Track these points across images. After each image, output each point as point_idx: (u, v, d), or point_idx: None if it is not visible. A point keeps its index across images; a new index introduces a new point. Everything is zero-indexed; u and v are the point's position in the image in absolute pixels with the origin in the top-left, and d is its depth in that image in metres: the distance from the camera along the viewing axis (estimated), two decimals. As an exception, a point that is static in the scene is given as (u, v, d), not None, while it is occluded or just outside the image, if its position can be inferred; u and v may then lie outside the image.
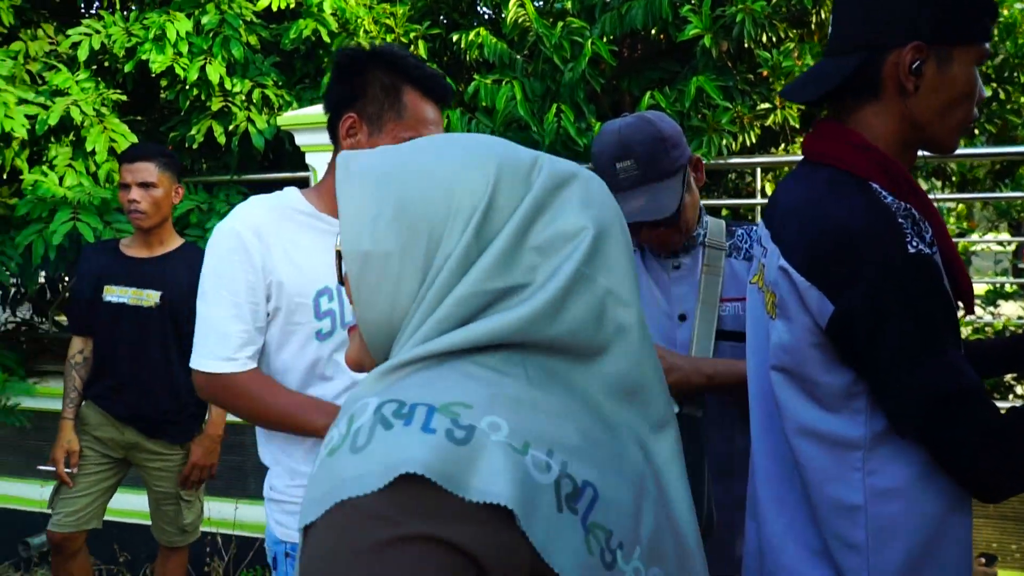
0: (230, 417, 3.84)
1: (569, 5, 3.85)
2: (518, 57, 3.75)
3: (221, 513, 3.63)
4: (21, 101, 3.68)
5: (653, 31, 3.89)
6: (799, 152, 4.18)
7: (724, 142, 3.48)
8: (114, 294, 2.73)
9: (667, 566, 0.72)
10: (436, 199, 0.72)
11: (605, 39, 3.61)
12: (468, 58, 3.86)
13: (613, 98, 4.13)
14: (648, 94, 3.55)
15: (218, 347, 1.53)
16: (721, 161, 3.57)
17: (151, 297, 2.71)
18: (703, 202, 1.81)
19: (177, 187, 2.79)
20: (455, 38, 3.86)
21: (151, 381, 2.75)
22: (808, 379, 1.13)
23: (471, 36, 3.72)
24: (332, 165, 1.63)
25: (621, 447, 0.71)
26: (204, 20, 3.76)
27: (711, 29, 3.47)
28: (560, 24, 3.63)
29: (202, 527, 3.06)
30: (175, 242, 2.84)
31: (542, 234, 0.72)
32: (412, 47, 3.99)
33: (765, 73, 3.72)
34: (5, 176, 3.99)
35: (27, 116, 3.63)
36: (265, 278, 1.52)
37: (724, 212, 4.56)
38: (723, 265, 1.73)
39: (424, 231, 0.72)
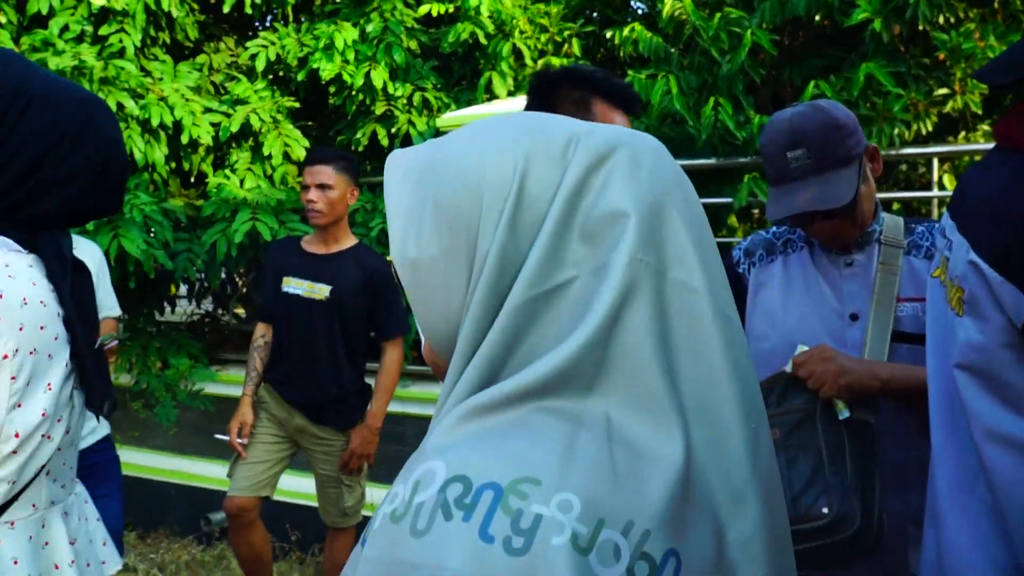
0: (390, 408, 4.01)
1: (727, -5, 3.75)
2: (673, 51, 3.68)
3: (382, 498, 3.80)
4: (206, 110, 4.00)
5: (817, 17, 3.71)
6: (982, 140, 3.88)
7: (896, 131, 3.27)
8: (291, 285, 2.93)
9: None
10: (465, 195, 0.67)
11: (765, 27, 3.49)
12: (622, 54, 3.84)
13: (773, 89, 3.98)
14: (812, 83, 3.39)
15: None
16: (893, 152, 3.36)
17: (322, 291, 2.89)
18: None
19: (353, 189, 2.95)
20: (609, 34, 3.85)
21: (318, 370, 2.93)
22: (999, 380, 1.05)
23: (625, 32, 3.69)
24: None
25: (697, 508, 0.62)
26: (369, 28, 3.94)
27: (881, 12, 3.27)
28: (717, 15, 3.54)
29: (364, 511, 3.21)
30: (349, 241, 3.01)
31: (587, 219, 0.65)
32: (566, 45, 4.02)
33: (942, 56, 3.46)
34: (192, 179, 4.36)
35: (211, 124, 3.94)
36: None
37: (896, 206, 4.29)
38: (901, 263, 1.63)
39: (462, 230, 0.67)
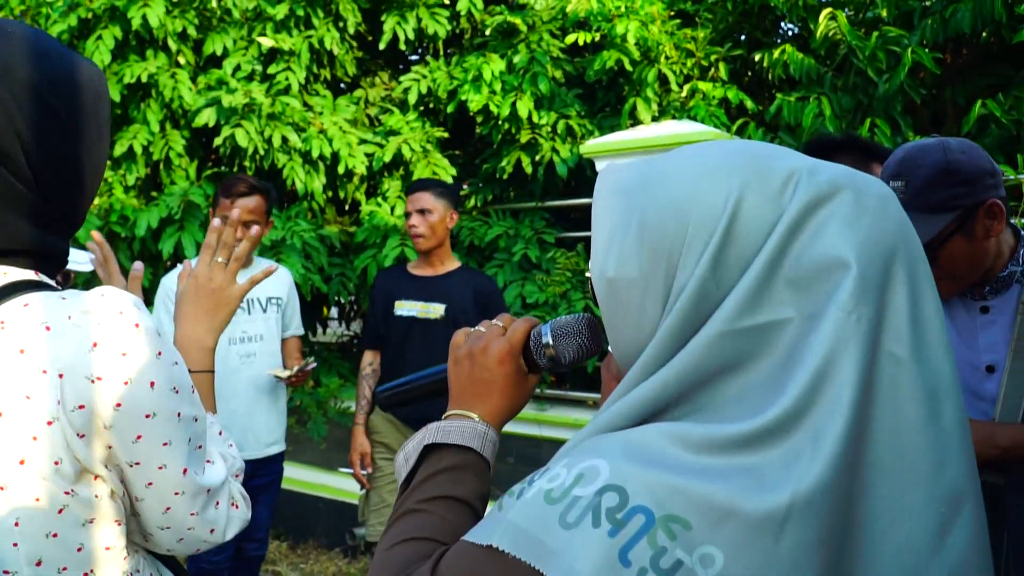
0: (527, 431, 4.03)
1: (884, 13, 3.60)
2: (826, 72, 3.56)
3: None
4: (361, 141, 4.20)
5: (984, 34, 3.50)
6: None
7: (1078, 152, 3.02)
8: (404, 308, 3.03)
9: None
10: (671, 219, 0.65)
11: (925, 45, 3.32)
12: (771, 76, 3.75)
13: (933, 109, 3.77)
14: (979, 103, 3.19)
15: None
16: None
17: (437, 310, 2.98)
18: None
19: (452, 213, 3.07)
20: (757, 57, 3.77)
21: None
22: None
23: (776, 54, 3.61)
24: None
25: None
26: (516, 59, 4.04)
27: (1062, 25, 3.04)
28: (875, 34, 3.40)
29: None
30: (454, 263, 3.12)
31: (799, 263, 0.62)
32: (712, 69, 3.97)
33: None
34: (347, 207, 4.58)
35: (366, 154, 4.14)
36: None
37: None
38: None
39: (664, 256, 0.65)
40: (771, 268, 0.62)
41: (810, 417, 0.59)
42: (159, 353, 0.91)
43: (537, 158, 4.02)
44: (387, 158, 4.04)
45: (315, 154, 3.95)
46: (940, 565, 0.60)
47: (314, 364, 2.99)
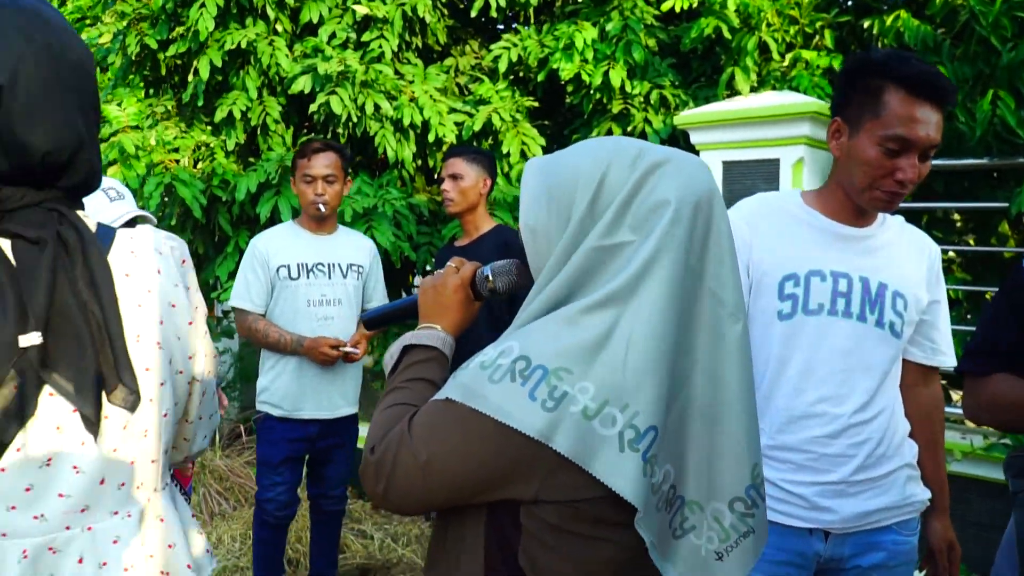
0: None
1: (1010, -24, 3.35)
2: (945, 39, 3.35)
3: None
4: (451, 110, 4.19)
5: (1125, -3, 3.22)
6: None
7: None
8: None
9: (673, 460, 0.99)
10: (567, 185, 1.04)
11: (1058, 11, 3.08)
12: (881, 44, 3.56)
13: (1062, 81, 3.51)
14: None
15: None
16: None
17: None
18: None
19: (485, 179, 3.12)
20: (867, 24, 3.58)
21: (472, 350, 2.99)
22: None
23: (888, 20, 3.41)
24: (831, 172, 1.74)
25: (687, 378, 1.00)
26: (608, 27, 3.94)
27: None
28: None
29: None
30: (488, 226, 3.17)
31: (640, 206, 1.00)
32: (817, 37, 3.79)
33: None
34: (436, 176, 4.59)
35: (455, 123, 4.13)
36: (745, 257, 1.70)
37: None
38: None
39: (564, 207, 1.04)
40: (622, 208, 1.00)
41: (641, 288, 0.96)
42: (184, 261, 1.13)
43: (628, 129, 3.94)
44: (477, 127, 4.02)
45: (406, 122, 3.97)
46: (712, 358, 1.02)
47: (356, 353, 3.05)
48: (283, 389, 3.05)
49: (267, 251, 3.08)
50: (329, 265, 3.12)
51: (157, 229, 1.10)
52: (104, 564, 1.00)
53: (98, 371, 0.95)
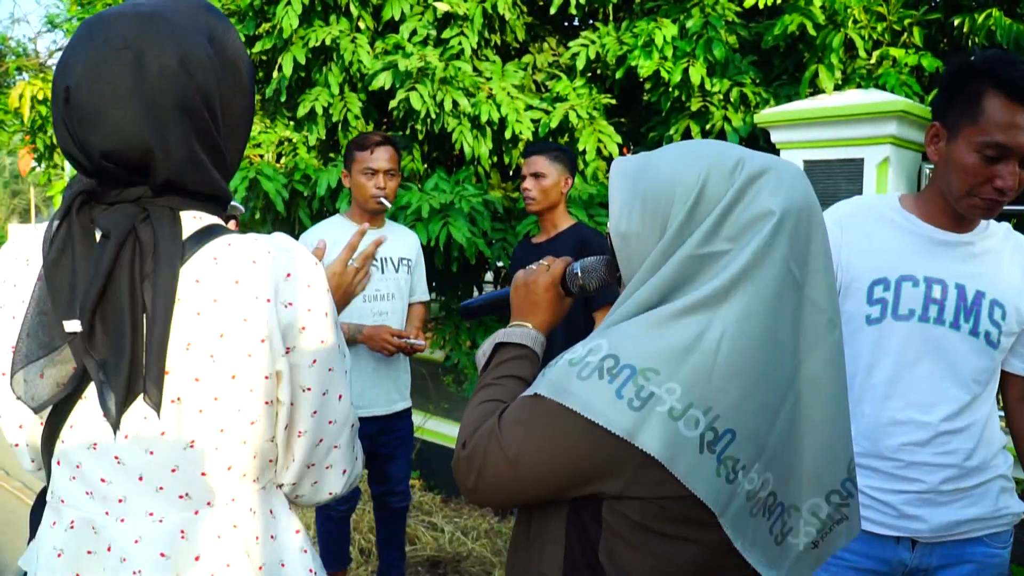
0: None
1: (1116, -30, 3.21)
2: (1043, 37, 3.23)
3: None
4: (528, 107, 4.22)
5: None
6: None
7: None
8: None
9: (776, 468, 1.00)
10: (664, 192, 1.04)
11: None
12: (970, 43, 3.45)
13: None
14: None
15: None
16: None
17: None
18: None
19: (567, 177, 3.12)
20: (957, 21, 3.47)
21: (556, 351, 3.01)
22: None
23: (980, 19, 3.30)
24: (931, 176, 1.70)
25: (774, 390, 0.99)
26: (689, 24, 3.91)
27: None
28: (1104, -6, 3.04)
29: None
30: (567, 223, 3.17)
31: (740, 216, 1.00)
32: (905, 34, 3.69)
33: None
34: (512, 173, 4.63)
35: (532, 120, 4.15)
36: (834, 259, 1.68)
37: None
38: None
39: (660, 215, 1.04)
40: (721, 218, 1.00)
41: (734, 295, 0.97)
42: (327, 290, 1.06)
43: (707, 127, 3.90)
44: (553, 124, 4.03)
45: (483, 119, 4.00)
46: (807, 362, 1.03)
47: (419, 342, 3.03)
48: None
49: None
50: (382, 260, 3.11)
51: (267, 236, 1.05)
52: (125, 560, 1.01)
53: (130, 370, 0.94)
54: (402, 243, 3.22)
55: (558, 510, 1.04)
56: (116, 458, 1.00)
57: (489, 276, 5.80)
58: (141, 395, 0.95)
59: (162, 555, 1.01)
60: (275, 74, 4.34)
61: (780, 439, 0.99)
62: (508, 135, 4.07)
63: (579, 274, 1.23)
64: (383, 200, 3.03)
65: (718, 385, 0.94)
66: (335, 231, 3.11)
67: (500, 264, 4.56)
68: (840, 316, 1.04)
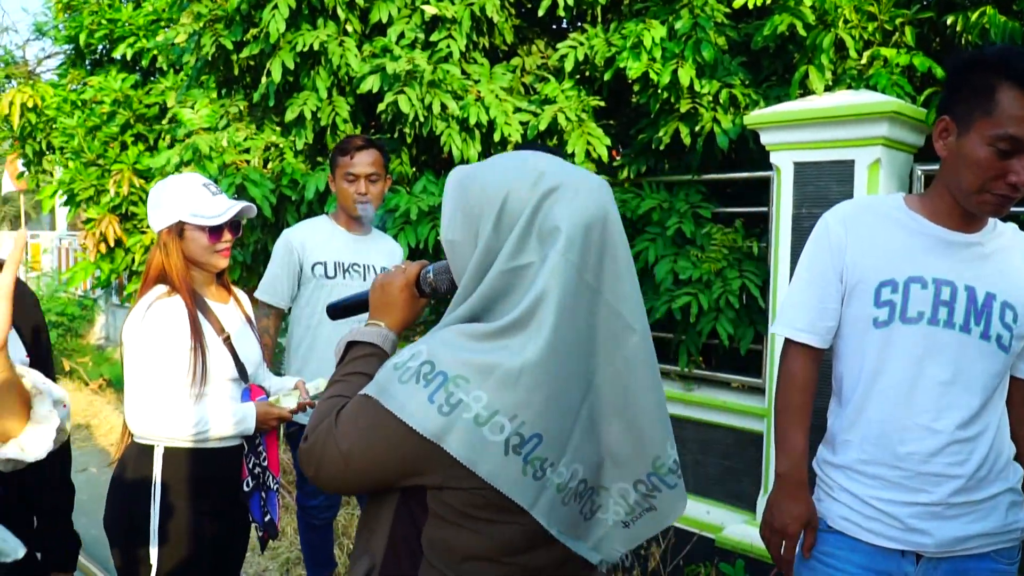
0: (672, 411, 3.93)
1: (1107, -32, 3.19)
2: (1034, 36, 3.21)
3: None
4: (516, 109, 4.18)
5: None
6: None
7: None
8: None
9: (583, 458, 1.09)
10: (476, 204, 1.12)
11: None
12: (964, 42, 3.42)
13: None
14: None
15: (785, 316, 1.77)
16: None
17: None
18: None
19: None
20: (950, 20, 3.45)
21: None
22: None
23: (973, 17, 3.28)
24: (937, 175, 1.66)
25: (569, 397, 1.08)
26: (677, 25, 3.88)
27: None
28: (1095, -8, 3.02)
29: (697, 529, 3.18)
30: None
31: (540, 229, 1.07)
32: (897, 34, 3.67)
33: None
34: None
35: (520, 123, 4.12)
36: (839, 261, 1.67)
37: None
38: None
39: (473, 226, 1.12)
40: (524, 232, 1.08)
41: (535, 318, 1.05)
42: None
43: (696, 129, 3.87)
44: (542, 127, 4.00)
45: (472, 121, 3.97)
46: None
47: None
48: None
49: (302, 246, 3.01)
50: (364, 266, 3.06)
51: None
52: None
53: None
54: (386, 251, 3.19)
55: (390, 497, 1.15)
56: None
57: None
58: None
59: None
60: (263, 79, 4.30)
61: (583, 435, 1.09)
62: (497, 137, 4.03)
63: (431, 276, 1.29)
64: (361, 214, 2.96)
65: (523, 395, 1.03)
66: (320, 231, 3.09)
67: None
68: (642, 321, 1.12)
